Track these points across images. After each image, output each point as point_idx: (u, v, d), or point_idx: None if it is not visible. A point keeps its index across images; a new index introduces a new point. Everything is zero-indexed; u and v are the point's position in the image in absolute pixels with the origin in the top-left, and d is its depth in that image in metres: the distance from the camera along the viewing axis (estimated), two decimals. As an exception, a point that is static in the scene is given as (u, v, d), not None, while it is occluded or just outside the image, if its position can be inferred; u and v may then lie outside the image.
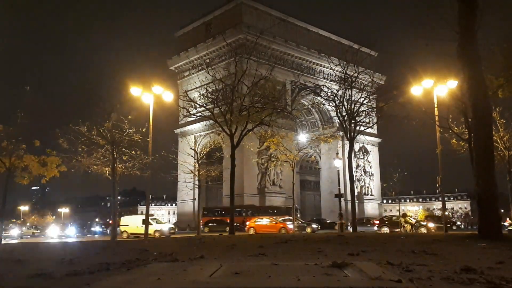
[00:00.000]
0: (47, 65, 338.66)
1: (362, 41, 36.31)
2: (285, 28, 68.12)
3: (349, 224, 36.27)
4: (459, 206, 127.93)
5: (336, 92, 31.42)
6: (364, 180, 75.93)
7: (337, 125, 54.81)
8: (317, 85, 42.24)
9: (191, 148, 35.47)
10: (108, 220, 72.06)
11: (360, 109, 29.61)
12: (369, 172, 76.96)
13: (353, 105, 29.25)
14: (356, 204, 35.47)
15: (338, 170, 38.36)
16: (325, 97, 32.60)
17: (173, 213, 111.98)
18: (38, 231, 60.93)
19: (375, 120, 33.15)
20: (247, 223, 35.53)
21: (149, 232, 23.88)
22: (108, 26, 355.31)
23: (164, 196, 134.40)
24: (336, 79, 37.40)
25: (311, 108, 73.21)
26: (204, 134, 56.55)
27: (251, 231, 31.68)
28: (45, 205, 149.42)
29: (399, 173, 48.55)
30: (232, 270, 3.82)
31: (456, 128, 22.57)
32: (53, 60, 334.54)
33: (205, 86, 32.28)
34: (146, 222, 24.67)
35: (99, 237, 44.60)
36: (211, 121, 27.60)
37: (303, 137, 46.32)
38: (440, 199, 28.31)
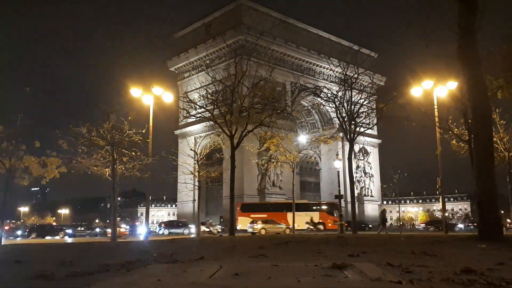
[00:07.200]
0: (46, 66, 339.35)
1: (362, 42, 36.46)
2: (285, 29, 68.19)
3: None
4: (459, 207, 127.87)
5: (336, 93, 31.47)
6: (364, 181, 75.94)
7: (337, 126, 54.84)
8: (317, 86, 42.21)
9: (191, 149, 35.41)
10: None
11: (360, 110, 29.64)
12: (369, 173, 76.97)
13: (353, 106, 29.27)
14: (356, 205, 35.47)
15: (338, 171, 38.37)
16: (325, 98, 32.64)
17: (173, 214, 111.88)
18: None
19: (375, 121, 33.19)
20: None
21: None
22: (108, 27, 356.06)
23: (164, 197, 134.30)
24: (336, 80, 37.54)
25: (311, 109, 73.23)
26: (204, 135, 56.50)
27: None
28: (45, 206, 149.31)
29: (399, 174, 48.70)
30: (232, 271, 3.82)
31: (456, 129, 22.58)
32: (53, 61, 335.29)
33: (205, 87, 32.31)
34: (146, 223, 24.65)
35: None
36: (211, 122, 27.62)
37: (303, 138, 46.25)
38: (440, 200, 28.31)
